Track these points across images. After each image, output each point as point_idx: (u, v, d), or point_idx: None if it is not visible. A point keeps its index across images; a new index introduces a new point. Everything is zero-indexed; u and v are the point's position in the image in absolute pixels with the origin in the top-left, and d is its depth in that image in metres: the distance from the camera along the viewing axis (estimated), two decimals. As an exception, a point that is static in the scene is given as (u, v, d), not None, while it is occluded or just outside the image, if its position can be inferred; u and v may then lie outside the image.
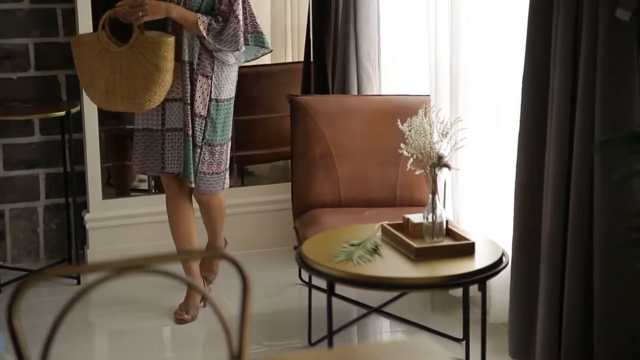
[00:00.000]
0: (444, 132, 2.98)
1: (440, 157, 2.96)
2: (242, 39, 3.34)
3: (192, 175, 3.43)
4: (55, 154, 4.19)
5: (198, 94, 3.39)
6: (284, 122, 4.10)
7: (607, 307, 2.68)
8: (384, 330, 3.64)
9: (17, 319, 1.52)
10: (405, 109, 3.51)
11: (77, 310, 3.74)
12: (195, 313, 3.55)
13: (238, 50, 3.37)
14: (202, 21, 3.31)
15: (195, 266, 3.56)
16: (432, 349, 1.59)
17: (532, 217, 2.93)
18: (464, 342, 3.22)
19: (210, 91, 3.41)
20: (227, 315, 1.64)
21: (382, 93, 4.11)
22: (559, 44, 2.76)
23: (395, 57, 4.13)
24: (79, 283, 3.77)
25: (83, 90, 3.46)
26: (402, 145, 2.99)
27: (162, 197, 4.37)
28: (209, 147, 3.45)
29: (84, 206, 4.20)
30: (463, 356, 3.16)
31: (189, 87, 3.39)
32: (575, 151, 2.73)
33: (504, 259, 2.92)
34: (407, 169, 3.02)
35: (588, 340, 2.76)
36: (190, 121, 3.39)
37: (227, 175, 3.57)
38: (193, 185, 3.46)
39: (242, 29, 3.33)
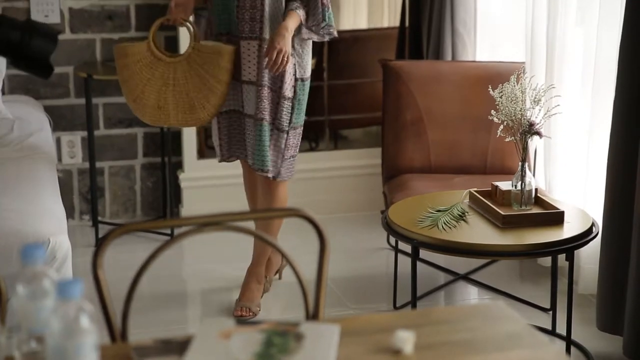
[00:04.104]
0: (536, 99, 2.93)
1: (531, 125, 2.92)
2: (323, 11, 3.12)
3: (270, 164, 3.20)
4: (153, 114, 4.29)
5: (287, 74, 3.13)
6: (377, 87, 4.09)
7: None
8: (471, 297, 3.63)
9: (101, 270, 1.58)
10: (499, 75, 3.46)
11: (171, 267, 3.85)
12: (268, 287, 3.46)
13: (321, 23, 3.12)
14: (302, 15, 3.10)
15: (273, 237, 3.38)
16: (509, 315, 1.58)
17: (625, 188, 2.86)
18: (551, 312, 3.19)
19: (296, 70, 3.17)
20: (306, 279, 1.68)
21: (477, 60, 4.06)
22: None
23: (491, 24, 4.07)
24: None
25: (130, 106, 3.24)
26: (492, 111, 2.95)
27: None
28: (294, 131, 3.22)
29: (179, 166, 4.30)
30: (550, 326, 3.13)
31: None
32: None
33: (594, 229, 2.87)
34: (497, 136, 2.98)
35: (678, 315, 2.70)
36: (271, 106, 3.16)
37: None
38: (271, 175, 3.22)
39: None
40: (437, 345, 1.46)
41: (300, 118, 3.24)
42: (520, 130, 2.91)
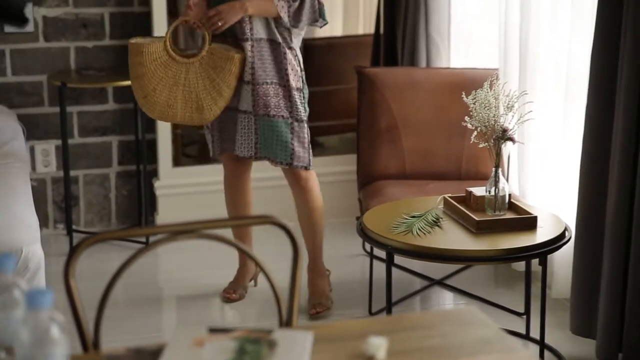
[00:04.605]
0: (509, 105, 2.95)
1: (504, 131, 2.94)
2: (317, 9, 3.20)
3: (297, 157, 3.27)
4: (127, 122, 4.28)
5: (290, 67, 3.23)
6: (352, 94, 4.10)
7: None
8: (446, 302, 3.64)
9: (73, 279, 1.58)
10: (473, 81, 3.48)
11: (146, 275, 3.84)
12: (243, 293, 3.50)
13: (316, 21, 3.22)
14: (282, 7, 3.16)
15: (249, 244, 3.47)
16: (481, 320, 1.59)
17: (597, 193, 2.89)
18: (525, 317, 3.21)
19: (299, 61, 3.27)
20: (280, 286, 1.68)
21: (452, 66, 4.08)
22: (630, 15, 2.70)
23: (465, 30, 4.10)
24: (148, 248, 3.86)
25: (138, 102, 3.27)
26: (466, 117, 2.97)
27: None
28: (307, 119, 3.33)
29: (154, 173, 4.29)
30: (524, 331, 3.15)
31: (271, 65, 3.22)
32: (643, 126, 2.68)
33: (566, 233, 2.89)
34: (471, 142, 3.00)
35: (651, 318, 2.72)
36: (283, 101, 3.23)
37: None
38: (301, 165, 3.29)
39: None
40: (409, 351, 1.47)
41: (307, 106, 3.35)
42: (494, 136, 2.93)
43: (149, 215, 4.29)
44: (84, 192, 4.32)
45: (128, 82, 4.01)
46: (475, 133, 2.96)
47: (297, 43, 3.29)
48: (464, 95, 3.01)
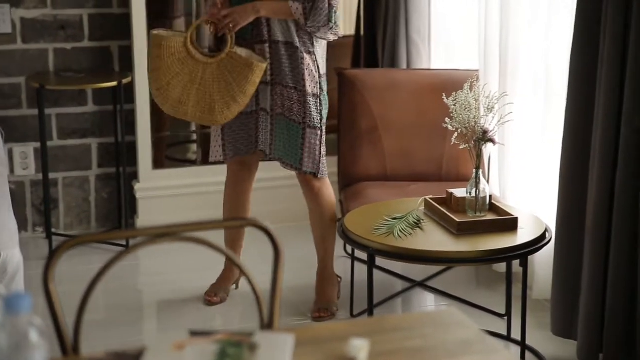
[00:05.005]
0: (489, 107, 2.96)
1: (485, 132, 2.94)
2: (327, 12, 3.14)
3: (299, 163, 3.26)
4: (107, 124, 4.26)
5: (307, 72, 3.20)
6: (333, 95, 4.09)
7: (650, 285, 2.65)
8: (428, 304, 3.65)
9: (52, 282, 1.56)
10: (453, 83, 3.48)
11: (127, 278, 3.83)
12: (225, 297, 3.47)
13: (328, 25, 3.15)
14: (297, 9, 3.12)
15: (238, 249, 3.45)
16: (462, 321, 1.59)
17: (577, 194, 2.90)
18: (506, 318, 3.21)
19: (318, 67, 3.23)
20: (261, 288, 1.67)
21: (432, 67, 4.09)
22: (609, 18, 2.71)
23: (446, 32, 4.10)
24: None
25: (152, 93, 3.27)
26: (446, 119, 2.98)
27: (211, 168, 4.43)
28: (324, 127, 3.27)
29: (134, 176, 4.27)
30: (505, 332, 3.16)
31: (289, 68, 3.20)
32: (622, 126, 2.70)
33: (547, 235, 2.90)
34: (452, 144, 3.01)
35: (632, 318, 2.74)
36: (297, 105, 3.21)
37: None
38: (308, 171, 3.27)
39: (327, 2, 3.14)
40: (390, 353, 1.46)
41: (325, 113, 3.29)
42: (475, 138, 2.94)
43: (129, 218, 4.26)
44: (63, 195, 4.29)
45: (107, 84, 4.02)
46: (455, 134, 2.97)
47: (319, 48, 3.25)
48: (444, 97, 3.01)
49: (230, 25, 3.14)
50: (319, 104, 3.23)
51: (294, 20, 3.17)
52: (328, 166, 4.25)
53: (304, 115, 3.21)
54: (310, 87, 3.20)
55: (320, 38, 3.23)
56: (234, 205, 3.44)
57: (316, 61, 3.23)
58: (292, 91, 3.21)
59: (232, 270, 3.50)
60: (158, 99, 3.23)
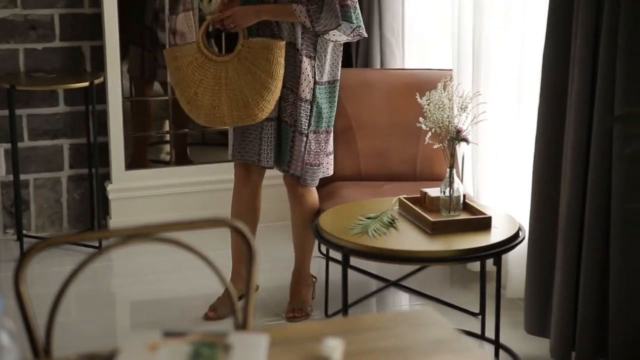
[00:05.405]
0: (463, 106, 2.97)
1: (458, 132, 2.95)
2: (339, 12, 3.05)
3: (292, 164, 3.21)
4: (79, 125, 4.22)
5: (303, 77, 3.13)
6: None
7: (623, 283, 2.67)
8: (402, 303, 3.65)
9: (23, 284, 1.54)
10: (427, 83, 3.49)
11: (100, 280, 3.80)
12: (226, 313, 3.31)
13: (340, 25, 3.06)
14: (300, 11, 3.05)
15: (243, 271, 3.29)
16: (436, 320, 1.59)
17: (550, 193, 2.92)
18: (480, 317, 3.22)
19: (315, 73, 3.15)
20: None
21: (406, 67, 4.09)
22: (580, 18, 2.73)
23: (419, 32, 4.11)
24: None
25: (184, 109, 3.16)
26: (420, 118, 2.98)
27: (184, 169, 4.41)
28: (315, 136, 3.19)
29: (106, 177, 4.24)
30: (479, 331, 3.17)
31: (288, 69, 3.13)
32: (594, 126, 2.72)
33: (520, 233, 2.91)
34: (426, 143, 3.01)
35: (604, 316, 2.76)
36: (291, 108, 3.16)
37: (331, 160, 3.33)
38: (292, 173, 3.22)
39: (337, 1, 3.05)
40: (365, 352, 1.46)
41: (322, 123, 3.21)
42: (448, 137, 2.95)
43: (102, 219, 4.23)
44: (34, 196, 4.25)
45: (79, 85, 3.99)
46: (429, 134, 2.97)
47: (325, 54, 3.16)
48: (418, 97, 3.01)
49: (232, 26, 3.10)
50: (309, 111, 3.17)
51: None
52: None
53: (295, 119, 3.17)
54: (303, 92, 3.14)
55: (338, 41, 3.13)
56: (241, 217, 3.30)
57: (316, 67, 3.15)
58: (289, 93, 3.17)
59: (236, 283, 3.31)
60: (191, 113, 3.15)
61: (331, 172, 3.35)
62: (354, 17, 3.09)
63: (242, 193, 3.36)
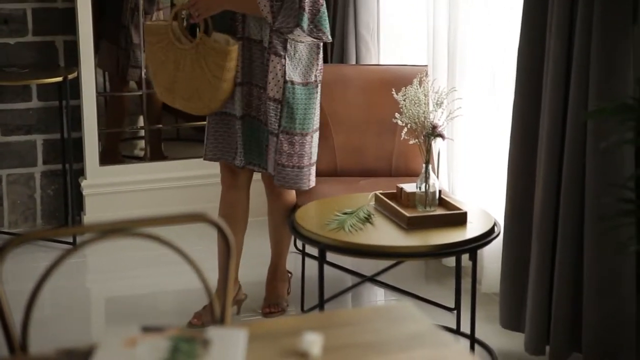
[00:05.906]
0: (438, 102, 2.98)
1: (434, 127, 2.96)
2: (297, 13, 2.99)
3: (267, 163, 3.15)
4: (52, 120, 4.19)
5: (271, 75, 3.06)
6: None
7: (596, 277, 2.70)
8: (378, 299, 3.66)
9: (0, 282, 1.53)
10: (403, 79, 3.49)
11: (74, 276, 3.77)
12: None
13: (298, 25, 2.99)
14: (264, 5, 3.00)
15: (234, 276, 3.13)
16: (413, 315, 1.60)
17: (525, 188, 2.93)
18: (455, 312, 3.24)
19: (285, 72, 3.06)
20: (212, 284, 1.66)
21: (381, 63, 4.10)
22: (554, 13, 2.75)
23: (394, 28, 4.12)
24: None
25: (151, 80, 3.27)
26: (396, 114, 2.99)
27: (158, 165, 4.40)
28: (287, 136, 3.10)
29: (81, 173, 4.21)
30: (454, 325, 3.18)
31: (259, 68, 3.10)
32: (568, 121, 2.74)
33: (495, 229, 2.93)
34: (402, 139, 3.02)
35: (577, 310, 2.78)
36: (264, 106, 3.10)
37: (313, 172, 3.23)
38: (272, 172, 3.15)
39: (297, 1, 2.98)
40: (343, 347, 1.46)
41: (294, 124, 3.11)
42: (424, 133, 2.95)
43: (76, 215, 4.21)
44: (7, 192, 4.22)
45: (52, 80, 3.96)
46: (405, 130, 2.98)
47: (296, 53, 3.09)
48: (394, 92, 3.02)
49: (196, 14, 3.08)
50: (279, 110, 3.09)
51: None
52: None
53: (266, 118, 3.12)
54: (272, 91, 3.07)
55: (297, 41, 3.07)
56: (226, 219, 3.20)
57: (286, 66, 3.06)
58: (261, 91, 3.12)
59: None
60: (154, 85, 3.25)
61: (312, 184, 3.23)
62: (305, 20, 3.00)
63: (226, 197, 3.31)
